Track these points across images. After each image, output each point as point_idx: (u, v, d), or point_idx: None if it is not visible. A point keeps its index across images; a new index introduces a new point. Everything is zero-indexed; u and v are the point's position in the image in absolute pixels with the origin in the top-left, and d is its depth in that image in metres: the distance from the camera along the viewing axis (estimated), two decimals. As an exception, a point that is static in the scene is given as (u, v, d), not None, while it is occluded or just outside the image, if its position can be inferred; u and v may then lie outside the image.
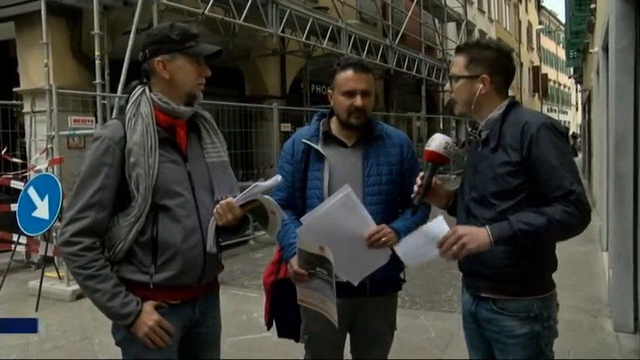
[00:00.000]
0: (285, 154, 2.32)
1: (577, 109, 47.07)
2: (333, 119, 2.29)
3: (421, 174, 1.97)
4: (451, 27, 22.43)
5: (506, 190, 1.81)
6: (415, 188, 1.96)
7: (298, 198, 2.25)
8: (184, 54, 1.83)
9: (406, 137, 2.37)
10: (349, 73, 2.18)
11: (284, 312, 2.33)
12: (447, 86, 2.01)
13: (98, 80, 6.84)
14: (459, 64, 1.94)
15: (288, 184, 2.24)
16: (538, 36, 42.60)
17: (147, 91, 1.86)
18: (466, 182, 1.99)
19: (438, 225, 1.79)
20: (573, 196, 1.72)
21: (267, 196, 1.84)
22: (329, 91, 2.29)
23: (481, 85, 1.88)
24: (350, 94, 2.17)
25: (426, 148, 1.93)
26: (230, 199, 1.82)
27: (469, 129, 2.10)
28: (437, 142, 1.91)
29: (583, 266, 6.11)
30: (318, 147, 2.22)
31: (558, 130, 1.80)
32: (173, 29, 1.84)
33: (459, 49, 1.99)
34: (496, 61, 1.89)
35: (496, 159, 1.84)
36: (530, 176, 1.78)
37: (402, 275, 2.34)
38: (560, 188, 1.73)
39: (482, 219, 1.85)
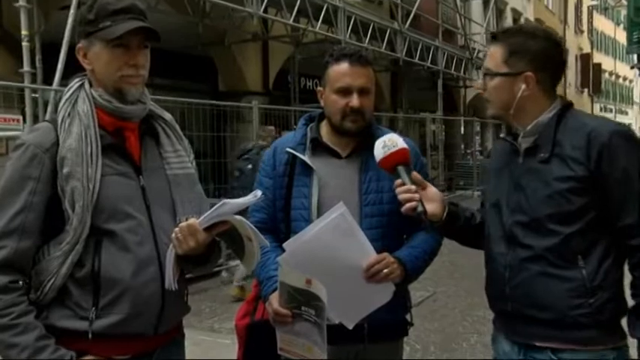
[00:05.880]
0: (265, 167, 2.35)
1: (641, 108, 47.10)
2: (324, 123, 2.33)
3: (398, 181, 1.99)
4: (476, 6, 22.50)
5: (569, 212, 1.80)
6: (404, 196, 1.95)
7: (281, 220, 2.28)
8: (99, 38, 1.80)
9: (413, 146, 2.37)
10: (344, 66, 2.22)
11: (262, 363, 2.35)
12: (479, 82, 2.00)
13: (26, 68, 6.84)
14: (495, 56, 1.92)
15: (268, 203, 2.27)
16: (590, 15, 41.81)
17: (86, 85, 1.85)
18: (504, 203, 1.96)
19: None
20: None
21: (240, 217, 1.80)
22: (319, 88, 2.34)
23: (524, 85, 1.87)
24: (345, 91, 2.20)
25: (379, 158, 2.02)
26: (192, 220, 1.78)
27: (502, 135, 2.09)
28: (378, 148, 2.02)
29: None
30: (305, 157, 2.26)
31: (635, 140, 1.80)
32: (92, 6, 1.82)
33: (495, 38, 1.97)
34: (543, 55, 1.88)
35: (551, 173, 1.83)
36: (599, 194, 1.78)
37: (408, 317, 2.37)
38: (633, 216, 1.75)
39: (540, 249, 1.84)
